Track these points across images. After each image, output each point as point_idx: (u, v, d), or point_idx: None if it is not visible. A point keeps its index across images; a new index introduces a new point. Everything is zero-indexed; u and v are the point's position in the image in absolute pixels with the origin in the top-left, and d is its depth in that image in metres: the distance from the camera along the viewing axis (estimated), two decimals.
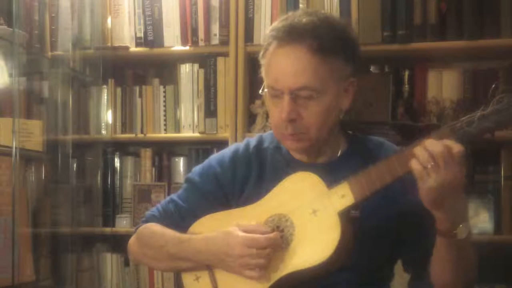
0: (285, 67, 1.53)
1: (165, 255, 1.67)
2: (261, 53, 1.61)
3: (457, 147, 1.35)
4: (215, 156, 1.76)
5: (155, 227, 1.71)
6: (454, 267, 1.47)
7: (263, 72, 1.61)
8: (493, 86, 1.36)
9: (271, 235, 1.51)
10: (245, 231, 1.53)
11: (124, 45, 2.95)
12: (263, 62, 1.60)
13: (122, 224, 2.96)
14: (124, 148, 3.10)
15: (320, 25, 1.53)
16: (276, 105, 1.56)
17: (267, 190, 1.60)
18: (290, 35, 1.53)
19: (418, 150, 1.37)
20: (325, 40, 1.51)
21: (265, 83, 1.60)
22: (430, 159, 1.34)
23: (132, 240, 1.77)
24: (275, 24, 1.58)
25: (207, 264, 1.62)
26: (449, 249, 1.44)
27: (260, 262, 1.50)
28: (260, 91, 1.61)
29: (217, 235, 1.57)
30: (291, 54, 1.52)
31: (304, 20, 1.54)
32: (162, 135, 2.97)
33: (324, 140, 1.60)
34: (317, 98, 1.52)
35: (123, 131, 3.00)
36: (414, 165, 1.37)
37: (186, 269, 1.66)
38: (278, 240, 1.52)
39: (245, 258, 1.51)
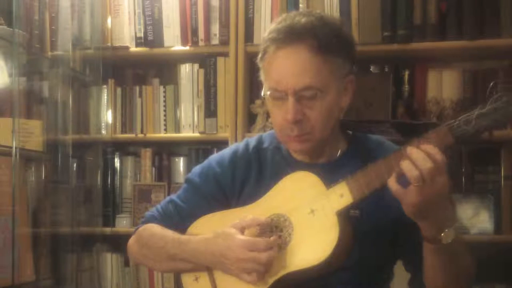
0: (287, 68, 1.53)
1: (164, 256, 1.66)
2: (259, 56, 1.60)
3: (440, 157, 1.33)
4: (214, 157, 1.76)
5: (154, 228, 1.70)
6: (444, 271, 1.46)
7: (262, 75, 1.61)
8: (491, 84, 1.35)
9: (271, 239, 1.50)
10: (242, 227, 1.53)
11: (124, 45, 2.95)
12: (261, 65, 1.60)
13: (122, 224, 2.96)
14: (124, 148, 3.10)
15: (318, 25, 1.53)
16: (280, 108, 1.55)
17: (267, 190, 1.60)
18: (290, 36, 1.53)
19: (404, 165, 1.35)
20: (325, 39, 1.52)
21: (265, 85, 1.59)
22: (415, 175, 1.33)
23: (131, 241, 1.77)
24: (273, 26, 1.58)
25: (206, 266, 1.62)
26: (436, 253, 1.43)
27: (260, 268, 1.49)
28: (262, 93, 1.60)
29: (216, 237, 1.56)
30: (293, 55, 1.52)
31: (302, 20, 1.54)
32: (162, 135, 2.97)
33: (326, 139, 1.60)
34: (320, 97, 1.53)
35: (123, 131, 3.00)
36: (392, 184, 1.37)
37: (185, 270, 1.66)
38: (277, 242, 1.51)
39: (244, 262, 1.50)
